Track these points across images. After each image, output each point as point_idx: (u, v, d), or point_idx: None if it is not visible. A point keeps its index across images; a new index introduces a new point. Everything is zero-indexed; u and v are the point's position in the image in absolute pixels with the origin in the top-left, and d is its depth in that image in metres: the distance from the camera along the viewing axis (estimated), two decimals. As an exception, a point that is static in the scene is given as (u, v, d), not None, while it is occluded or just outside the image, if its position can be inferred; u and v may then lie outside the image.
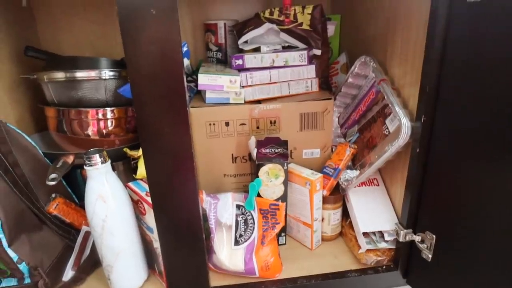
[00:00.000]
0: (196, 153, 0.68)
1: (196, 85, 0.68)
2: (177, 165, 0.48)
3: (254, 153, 0.65)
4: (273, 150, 0.65)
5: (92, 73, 0.67)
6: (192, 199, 0.50)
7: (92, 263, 0.64)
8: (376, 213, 0.64)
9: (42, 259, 0.58)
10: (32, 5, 0.83)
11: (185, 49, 0.73)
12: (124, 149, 0.65)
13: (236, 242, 0.61)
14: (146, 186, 0.58)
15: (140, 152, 0.62)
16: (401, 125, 0.54)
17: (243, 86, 0.68)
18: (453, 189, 0.49)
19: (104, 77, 0.68)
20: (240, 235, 0.61)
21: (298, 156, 0.73)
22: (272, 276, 0.62)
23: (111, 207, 0.54)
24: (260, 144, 0.66)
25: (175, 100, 0.45)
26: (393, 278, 0.62)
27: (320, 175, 0.65)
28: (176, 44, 0.42)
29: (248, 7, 0.90)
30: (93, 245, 0.61)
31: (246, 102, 0.69)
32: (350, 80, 0.71)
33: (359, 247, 0.63)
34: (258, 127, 0.70)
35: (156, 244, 0.57)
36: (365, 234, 0.63)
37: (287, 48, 0.74)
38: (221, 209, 0.62)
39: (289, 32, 0.73)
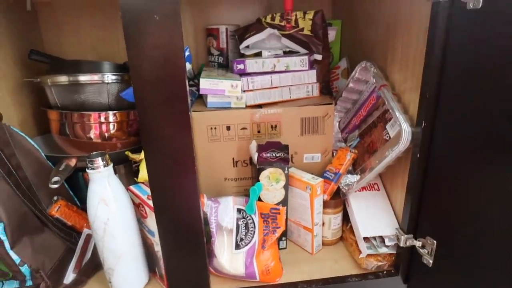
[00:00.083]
0: (197, 157, 0.68)
1: (198, 89, 0.69)
2: (179, 168, 0.48)
3: (255, 157, 0.65)
4: (274, 154, 0.65)
5: (95, 77, 0.68)
6: (193, 202, 0.51)
7: (93, 266, 0.64)
8: (376, 218, 0.64)
9: (43, 262, 0.59)
10: (36, 9, 0.84)
11: (187, 53, 0.73)
12: (126, 153, 0.65)
13: (237, 246, 0.61)
14: (148, 190, 0.58)
15: (141, 155, 0.63)
16: (402, 130, 0.54)
17: (244, 91, 0.69)
18: (453, 195, 0.49)
19: (106, 81, 0.68)
20: (241, 239, 0.61)
21: (299, 161, 0.73)
22: (272, 280, 0.61)
23: (113, 210, 0.54)
24: (261, 149, 0.66)
25: (177, 104, 0.45)
26: (393, 284, 0.62)
27: (320, 179, 0.65)
28: (179, 49, 0.43)
29: (249, 12, 0.91)
30: (95, 248, 0.61)
31: (247, 107, 0.69)
32: (350, 85, 0.71)
33: (360, 252, 0.63)
34: (259, 132, 0.70)
35: (157, 248, 0.57)
36: (366, 239, 0.63)
37: (288, 53, 0.74)
38: (222, 213, 0.62)
39: (290, 37, 0.74)
